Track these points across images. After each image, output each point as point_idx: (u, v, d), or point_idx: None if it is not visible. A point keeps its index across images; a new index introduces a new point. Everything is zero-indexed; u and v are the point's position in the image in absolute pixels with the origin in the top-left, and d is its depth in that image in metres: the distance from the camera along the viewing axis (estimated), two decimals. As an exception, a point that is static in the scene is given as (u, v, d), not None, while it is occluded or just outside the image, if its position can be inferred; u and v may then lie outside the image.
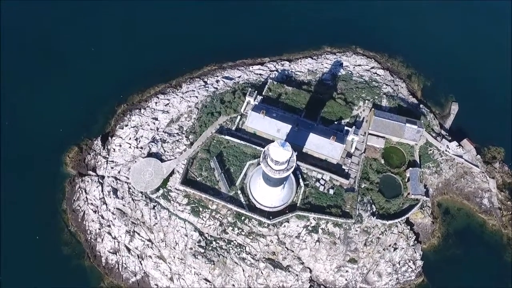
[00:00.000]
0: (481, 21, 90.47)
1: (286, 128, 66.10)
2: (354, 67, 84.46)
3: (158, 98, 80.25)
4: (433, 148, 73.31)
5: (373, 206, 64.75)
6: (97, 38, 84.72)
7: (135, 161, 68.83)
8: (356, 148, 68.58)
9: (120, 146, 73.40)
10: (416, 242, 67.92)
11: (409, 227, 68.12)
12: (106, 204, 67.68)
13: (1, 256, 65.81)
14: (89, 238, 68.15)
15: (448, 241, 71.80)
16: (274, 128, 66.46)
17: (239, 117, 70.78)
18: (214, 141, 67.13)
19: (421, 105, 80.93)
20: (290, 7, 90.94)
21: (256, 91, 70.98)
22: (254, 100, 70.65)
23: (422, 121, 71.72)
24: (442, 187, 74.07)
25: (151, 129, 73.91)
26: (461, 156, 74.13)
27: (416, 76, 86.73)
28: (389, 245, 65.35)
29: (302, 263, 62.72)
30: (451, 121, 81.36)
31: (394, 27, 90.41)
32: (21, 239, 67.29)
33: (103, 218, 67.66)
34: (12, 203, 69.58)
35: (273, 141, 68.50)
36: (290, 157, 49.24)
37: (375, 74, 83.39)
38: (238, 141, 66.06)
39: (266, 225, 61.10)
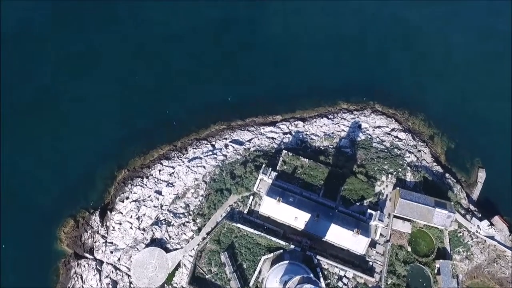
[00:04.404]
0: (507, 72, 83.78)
1: (304, 216, 59.80)
2: (373, 130, 78.15)
3: (162, 164, 73.87)
4: (463, 229, 67.15)
5: (401, 306, 58.66)
6: (94, 92, 78.26)
7: (137, 249, 62.35)
8: (381, 234, 62.34)
9: (120, 224, 66.94)
10: None
11: (438, 323, 62.15)
12: (105, 298, 61.38)
13: None
14: (86, 334, 61.92)
15: (478, 330, 65.99)
16: (292, 216, 60.19)
17: (251, 197, 64.37)
18: (225, 229, 60.68)
19: (446, 174, 74.67)
20: (302, 57, 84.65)
21: (271, 168, 64.42)
22: (268, 177, 64.16)
23: (452, 203, 65.35)
24: (471, 270, 67.96)
25: (154, 206, 67.51)
26: (493, 237, 67.94)
27: (439, 136, 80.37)
28: None
29: None
30: (478, 190, 75.01)
31: (415, 79, 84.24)
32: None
33: (101, 313, 61.37)
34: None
35: (289, 227, 63.21)
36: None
37: (397, 139, 77.09)
38: (252, 230, 59.62)
39: (283, 333, 54.83)
